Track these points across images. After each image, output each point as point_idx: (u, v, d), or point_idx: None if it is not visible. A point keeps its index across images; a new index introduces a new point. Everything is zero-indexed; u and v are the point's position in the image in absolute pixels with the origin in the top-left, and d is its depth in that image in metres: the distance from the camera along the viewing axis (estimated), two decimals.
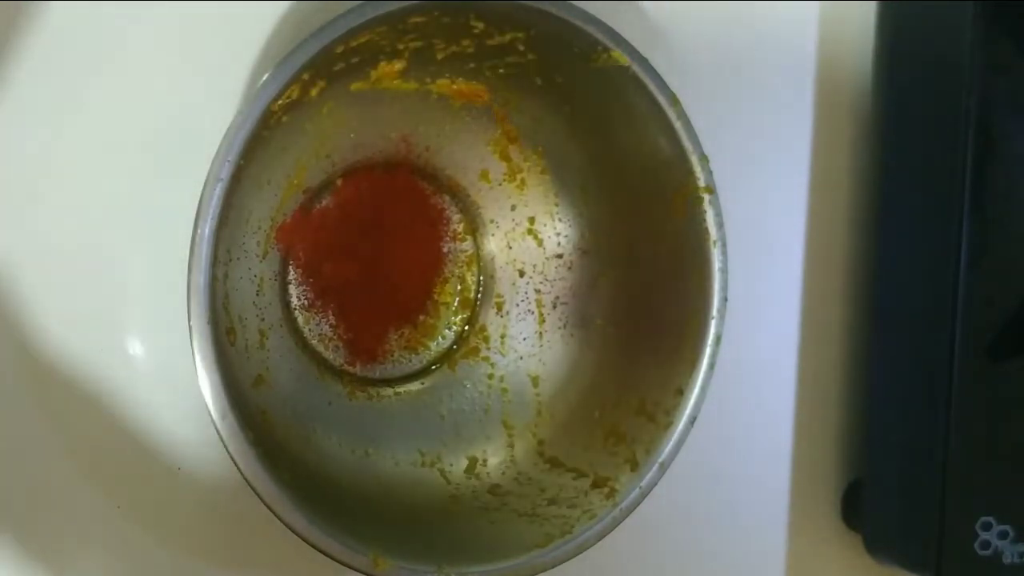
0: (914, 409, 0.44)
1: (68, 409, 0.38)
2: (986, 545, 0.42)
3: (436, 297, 0.43)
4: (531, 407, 0.42)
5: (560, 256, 0.43)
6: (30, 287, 0.38)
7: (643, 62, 0.36)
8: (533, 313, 0.44)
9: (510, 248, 0.44)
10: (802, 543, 0.47)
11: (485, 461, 0.41)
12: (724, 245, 0.38)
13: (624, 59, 0.36)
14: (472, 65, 0.39)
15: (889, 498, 0.44)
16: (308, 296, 0.41)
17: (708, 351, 0.37)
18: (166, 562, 0.39)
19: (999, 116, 0.42)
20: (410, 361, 0.43)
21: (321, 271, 0.41)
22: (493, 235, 0.44)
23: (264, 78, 0.32)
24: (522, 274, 0.44)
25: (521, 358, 0.43)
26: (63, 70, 0.38)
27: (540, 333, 0.43)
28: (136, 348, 0.39)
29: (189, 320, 0.31)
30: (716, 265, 0.37)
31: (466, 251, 0.44)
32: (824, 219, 0.47)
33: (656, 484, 0.37)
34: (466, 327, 0.44)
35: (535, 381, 0.43)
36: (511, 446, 0.42)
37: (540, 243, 0.43)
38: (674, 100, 0.36)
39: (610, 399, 0.40)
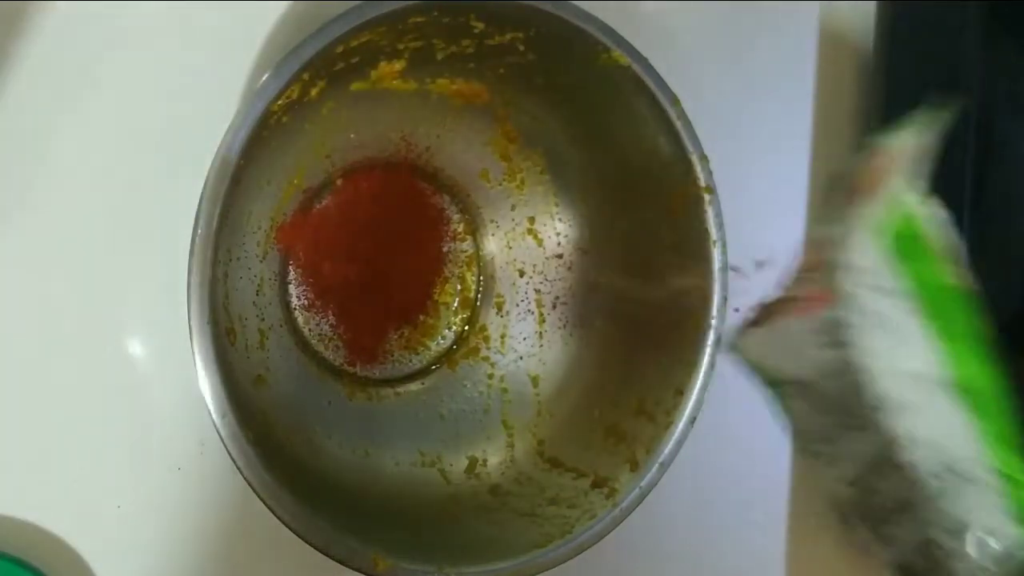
0: None
1: (68, 409, 0.38)
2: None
3: (436, 297, 0.43)
4: (531, 407, 0.42)
5: (560, 256, 0.43)
6: (30, 287, 0.38)
7: (643, 62, 0.36)
8: (533, 313, 0.44)
9: (510, 248, 0.44)
10: (802, 543, 0.47)
11: (485, 461, 0.41)
12: (724, 245, 0.38)
13: (624, 59, 0.36)
14: (472, 65, 0.39)
15: None
16: (308, 296, 0.41)
17: (708, 351, 0.37)
18: (166, 562, 0.39)
19: (999, 116, 0.42)
20: (410, 361, 0.43)
21: (321, 271, 0.41)
22: (493, 235, 0.44)
23: (264, 78, 0.32)
24: (522, 274, 0.44)
25: (521, 358, 0.43)
26: (63, 70, 0.38)
27: (540, 333, 0.43)
28: (136, 348, 0.39)
29: (189, 320, 0.31)
30: (716, 265, 0.37)
31: (466, 251, 0.44)
32: None
33: (656, 484, 0.37)
34: (466, 327, 0.44)
35: (535, 381, 0.43)
36: (511, 446, 0.42)
37: (540, 243, 0.43)
38: (674, 100, 0.37)
39: (610, 399, 0.40)
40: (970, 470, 0.25)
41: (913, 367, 0.26)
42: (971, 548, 0.25)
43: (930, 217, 0.27)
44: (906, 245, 0.27)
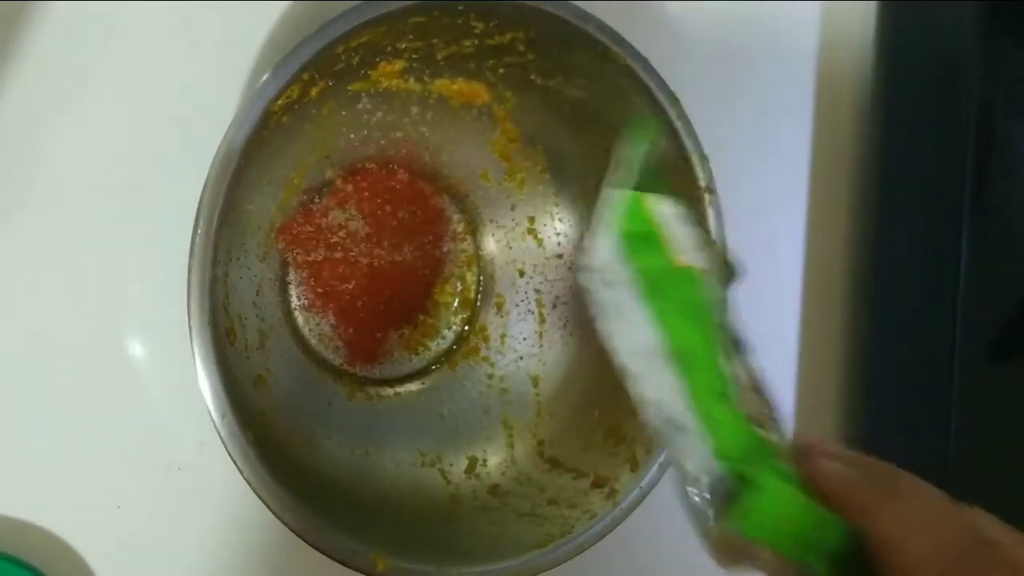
0: (914, 409, 0.44)
1: (68, 409, 0.38)
2: None
3: (436, 297, 0.43)
4: (531, 407, 0.42)
5: (560, 256, 0.43)
6: (30, 287, 0.38)
7: (643, 62, 0.36)
8: (533, 313, 0.44)
9: (510, 248, 0.44)
10: None
11: (485, 461, 0.41)
12: (724, 245, 0.38)
13: (624, 59, 0.36)
14: (472, 65, 0.39)
15: None
16: (308, 296, 0.41)
17: None
18: (166, 562, 0.39)
19: (1000, 116, 0.42)
20: (410, 361, 0.43)
21: (321, 271, 0.41)
22: (493, 235, 0.44)
23: (264, 78, 0.32)
24: (522, 274, 0.44)
25: (521, 358, 0.43)
26: (63, 70, 0.38)
27: (540, 333, 0.43)
28: (136, 348, 0.39)
29: (189, 320, 0.31)
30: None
31: (466, 251, 0.44)
32: (824, 219, 0.47)
33: (656, 484, 0.37)
34: (466, 327, 0.44)
35: (535, 381, 0.43)
36: (511, 446, 0.42)
37: (540, 243, 0.43)
38: (674, 100, 0.36)
39: (610, 399, 0.40)
40: (682, 420, 0.30)
41: (637, 341, 0.31)
42: (689, 486, 0.30)
43: (663, 212, 0.32)
44: (636, 241, 0.31)
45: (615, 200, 0.32)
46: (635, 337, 0.31)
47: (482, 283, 0.44)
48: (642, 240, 0.31)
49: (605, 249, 0.31)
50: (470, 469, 0.41)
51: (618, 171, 0.32)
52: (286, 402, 0.38)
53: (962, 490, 0.42)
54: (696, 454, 0.29)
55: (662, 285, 0.31)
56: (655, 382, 0.30)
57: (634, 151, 0.32)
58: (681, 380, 0.30)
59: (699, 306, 0.31)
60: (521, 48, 0.37)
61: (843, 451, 0.31)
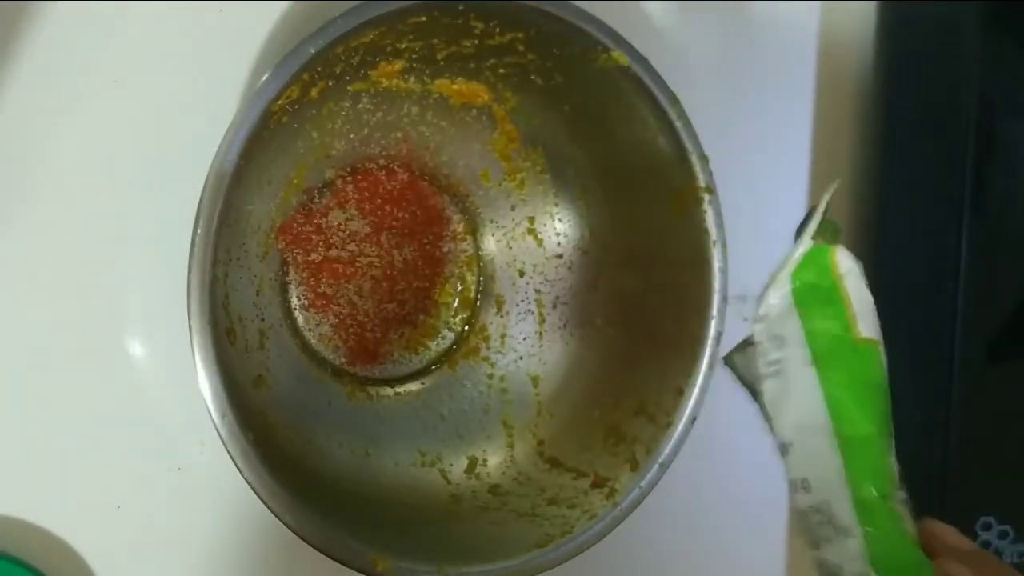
0: (914, 409, 0.44)
1: (68, 408, 0.38)
2: (986, 545, 0.42)
3: (436, 297, 0.43)
4: (531, 407, 0.42)
5: (560, 256, 0.43)
6: (30, 287, 0.38)
7: (643, 62, 0.36)
8: (533, 313, 0.44)
9: (510, 248, 0.44)
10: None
11: (485, 461, 0.41)
12: (724, 245, 0.38)
13: (624, 59, 0.36)
14: (472, 65, 0.39)
15: None
16: (308, 296, 0.41)
17: (708, 351, 0.37)
18: (166, 562, 0.39)
19: (1000, 116, 0.42)
20: (410, 361, 0.43)
21: (321, 271, 0.41)
22: (493, 235, 0.44)
23: (264, 78, 0.32)
24: (522, 274, 0.44)
25: (521, 358, 0.43)
26: (63, 70, 0.38)
27: (540, 333, 0.43)
28: (136, 348, 0.39)
29: (189, 320, 0.31)
30: (716, 265, 0.37)
31: (466, 251, 0.44)
32: None
33: (656, 484, 0.37)
34: (466, 327, 0.44)
35: (535, 381, 0.43)
36: (511, 446, 0.42)
37: (540, 243, 0.43)
38: (674, 100, 0.36)
39: (610, 399, 0.40)
40: (835, 512, 0.27)
41: (801, 414, 0.28)
42: None
43: (845, 268, 0.29)
44: (813, 295, 0.28)
45: (799, 249, 0.29)
46: (799, 408, 0.28)
47: (482, 283, 0.44)
48: (822, 296, 0.28)
49: (778, 299, 0.28)
50: (470, 469, 0.41)
51: (807, 223, 0.29)
52: (286, 402, 0.38)
53: (962, 490, 0.42)
54: (847, 554, 0.27)
55: (838, 355, 0.28)
56: (813, 463, 0.28)
57: (823, 204, 0.30)
58: (845, 469, 0.27)
59: (875, 388, 0.28)
60: (521, 48, 0.37)
61: (968, 545, 0.29)
